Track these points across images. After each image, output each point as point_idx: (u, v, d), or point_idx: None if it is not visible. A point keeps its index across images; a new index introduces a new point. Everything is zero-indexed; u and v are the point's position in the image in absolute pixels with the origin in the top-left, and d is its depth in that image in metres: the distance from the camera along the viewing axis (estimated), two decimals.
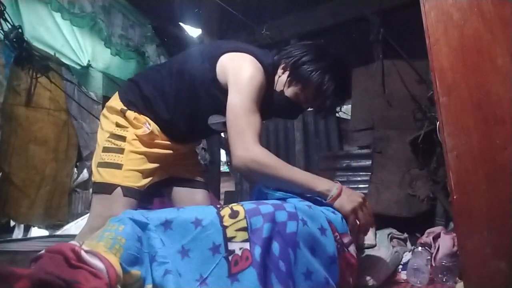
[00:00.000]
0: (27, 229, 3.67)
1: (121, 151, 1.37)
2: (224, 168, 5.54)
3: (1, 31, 2.40)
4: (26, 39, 2.51)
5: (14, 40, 2.43)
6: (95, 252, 0.84)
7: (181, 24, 4.08)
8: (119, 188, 1.33)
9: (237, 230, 1.03)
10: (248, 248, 1.01)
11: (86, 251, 0.83)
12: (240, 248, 1.01)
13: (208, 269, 0.97)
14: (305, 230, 1.12)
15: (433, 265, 1.51)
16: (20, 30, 2.44)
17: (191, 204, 1.55)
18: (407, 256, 1.60)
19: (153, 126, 1.44)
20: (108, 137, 1.40)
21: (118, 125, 1.41)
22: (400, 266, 1.59)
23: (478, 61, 1.04)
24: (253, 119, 1.26)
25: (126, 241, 0.91)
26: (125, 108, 1.43)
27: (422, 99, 2.50)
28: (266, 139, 4.24)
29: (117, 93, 1.51)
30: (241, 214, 1.07)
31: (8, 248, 2.25)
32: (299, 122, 3.54)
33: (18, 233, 3.57)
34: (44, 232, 3.49)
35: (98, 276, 0.79)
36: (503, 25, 1.01)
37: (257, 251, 1.01)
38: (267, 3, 3.68)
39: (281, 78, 1.40)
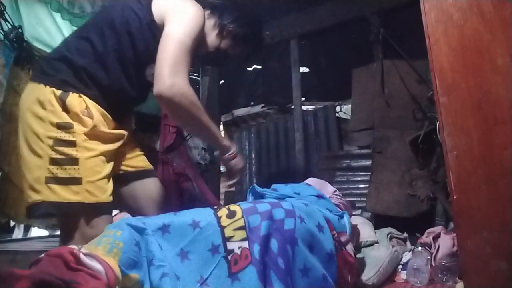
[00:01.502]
0: (27, 229, 3.67)
1: (75, 161, 1.15)
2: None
3: (1, 31, 2.39)
4: (26, 39, 2.51)
5: (14, 40, 2.42)
6: (94, 255, 0.84)
7: None
8: (84, 206, 1.15)
9: (235, 230, 1.04)
10: (247, 246, 1.02)
11: (85, 254, 0.83)
12: (239, 247, 1.02)
13: (208, 270, 0.97)
14: (303, 227, 1.13)
15: (433, 265, 1.51)
16: (20, 30, 2.44)
17: (147, 197, 1.41)
18: (407, 256, 1.60)
19: (95, 108, 1.23)
20: (54, 145, 1.15)
21: (60, 126, 1.17)
22: (400, 266, 1.59)
23: (478, 61, 1.04)
24: (188, 57, 1.23)
25: (124, 245, 0.91)
26: (64, 92, 1.19)
27: (422, 99, 2.49)
28: (266, 139, 4.24)
29: (33, 83, 1.24)
30: (239, 214, 1.08)
31: (8, 248, 2.26)
32: (299, 122, 3.54)
33: (18, 233, 3.57)
34: (44, 232, 3.49)
35: (97, 278, 0.79)
36: (503, 25, 1.01)
37: (256, 249, 1.02)
38: (267, 3, 3.68)
39: (213, 32, 1.42)
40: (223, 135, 1.35)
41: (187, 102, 1.21)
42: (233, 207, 1.12)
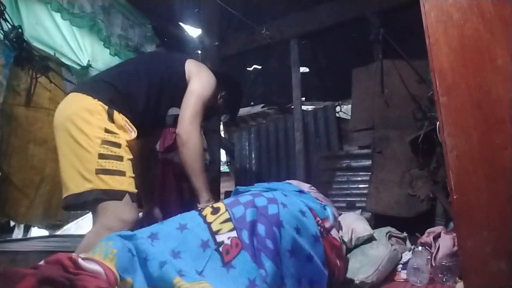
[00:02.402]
0: (27, 229, 3.68)
1: (120, 158, 1.39)
2: (224, 168, 5.54)
3: (1, 31, 2.40)
4: (26, 39, 2.51)
5: (14, 40, 2.42)
6: (93, 258, 0.86)
7: (181, 24, 4.07)
8: (127, 194, 1.37)
9: (221, 223, 1.08)
10: (236, 235, 1.06)
11: (83, 258, 0.85)
12: (228, 238, 1.05)
13: (201, 264, 1.00)
14: (286, 211, 1.17)
15: (433, 264, 1.51)
16: (20, 30, 2.44)
17: None
18: (407, 256, 1.60)
19: (133, 127, 1.52)
20: (102, 143, 1.38)
21: (107, 131, 1.41)
22: (400, 266, 1.58)
23: (478, 61, 1.04)
24: (203, 109, 1.63)
25: (117, 251, 0.94)
26: (110, 108, 1.44)
27: (422, 99, 2.49)
28: (266, 139, 4.24)
29: (79, 93, 1.48)
30: (222, 209, 1.13)
31: (8, 248, 2.25)
32: (299, 122, 3.54)
33: (18, 233, 3.58)
34: (44, 232, 3.49)
35: (100, 278, 0.80)
36: (503, 25, 1.01)
37: (245, 234, 1.05)
38: (267, 3, 3.68)
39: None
40: (208, 190, 1.61)
41: (195, 145, 1.57)
42: (216, 204, 1.18)
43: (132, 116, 1.52)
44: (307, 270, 1.12)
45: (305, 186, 1.71)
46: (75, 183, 1.35)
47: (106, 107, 1.44)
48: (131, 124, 1.50)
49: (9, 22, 2.41)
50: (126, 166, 1.40)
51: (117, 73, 1.62)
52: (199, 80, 1.65)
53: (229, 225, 1.08)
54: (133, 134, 1.48)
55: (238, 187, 1.51)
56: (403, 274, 1.54)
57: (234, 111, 2.07)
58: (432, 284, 1.44)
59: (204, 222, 1.08)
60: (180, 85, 1.64)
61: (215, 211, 1.13)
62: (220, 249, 1.03)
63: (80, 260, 0.84)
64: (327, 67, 4.12)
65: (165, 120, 1.71)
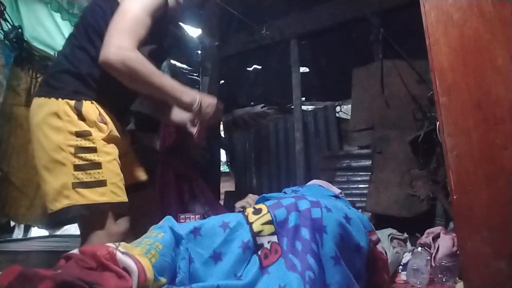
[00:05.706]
0: (27, 229, 3.67)
1: (98, 165, 1.22)
2: (224, 168, 5.53)
3: (1, 31, 2.40)
4: (26, 39, 2.51)
5: (14, 40, 2.42)
6: (130, 254, 0.87)
7: (181, 24, 4.07)
8: (110, 205, 1.23)
9: (263, 224, 1.08)
10: (276, 240, 1.06)
11: (122, 252, 0.86)
12: (268, 242, 1.06)
13: (241, 267, 1.01)
14: (330, 216, 1.14)
15: (433, 265, 1.51)
16: (20, 30, 2.44)
17: (136, 212, 1.37)
18: (407, 257, 1.60)
19: (106, 114, 1.30)
20: (76, 152, 1.21)
21: (78, 134, 1.23)
22: (400, 267, 1.58)
23: (478, 61, 1.04)
24: (139, 27, 1.23)
25: (163, 247, 0.95)
26: (78, 101, 1.25)
27: (422, 99, 2.49)
28: (266, 139, 4.24)
29: (41, 98, 1.28)
30: (264, 210, 1.12)
31: (8, 248, 2.25)
32: (299, 122, 3.53)
33: (18, 233, 3.57)
34: (44, 232, 3.49)
35: (125, 279, 0.81)
36: (503, 25, 1.01)
37: (285, 241, 1.05)
38: (267, 3, 3.68)
39: None
40: (183, 90, 1.32)
41: (131, 69, 1.20)
42: (258, 205, 1.16)
43: (105, 95, 1.31)
44: (348, 279, 1.10)
45: (336, 192, 1.55)
46: (50, 200, 1.23)
47: (73, 102, 1.25)
48: (103, 113, 1.29)
49: (9, 22, 2.41)
50: (106, 173, 1.23)
51: (70, 53, 1.34)
52: None
53: (270, 228, 1.07)
54: (106, 127, 1.29)
55: (263, 194, 1.46)
56: (403, 276, 1.53)
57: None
58: (432, 284, 1.44)
59: (246, 222, 1.08)
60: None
61: (257, 211, 1.12)
62: (259, 252, 1.03)
63: (118, 254, 0.85)
64: (327, 67, 4.12)
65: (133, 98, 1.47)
